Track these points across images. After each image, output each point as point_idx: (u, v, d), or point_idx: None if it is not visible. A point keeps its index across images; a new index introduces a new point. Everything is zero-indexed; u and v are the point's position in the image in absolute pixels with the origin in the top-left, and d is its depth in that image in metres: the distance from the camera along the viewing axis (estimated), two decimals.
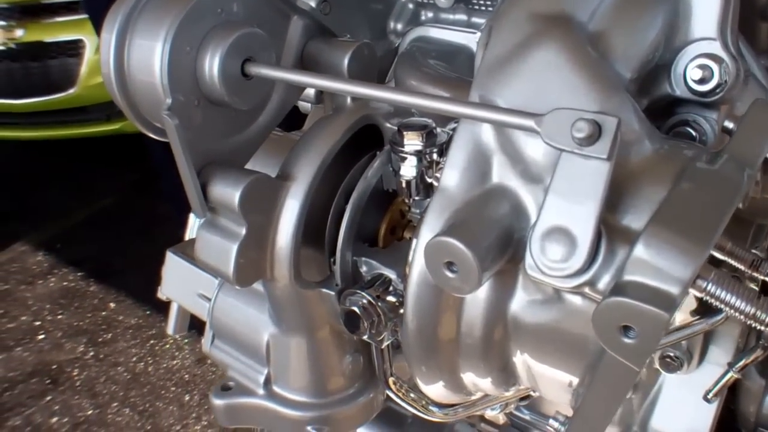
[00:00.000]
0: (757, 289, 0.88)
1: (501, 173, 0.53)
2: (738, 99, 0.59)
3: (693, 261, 0.43)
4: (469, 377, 0.61)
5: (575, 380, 0.56)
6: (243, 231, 0.61)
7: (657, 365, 0.96)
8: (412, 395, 0.71)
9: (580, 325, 0.50)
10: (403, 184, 0.63)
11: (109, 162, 3.82)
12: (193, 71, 0.60)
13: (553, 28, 0.53)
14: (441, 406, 0.72)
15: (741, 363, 0.89)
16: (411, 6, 0.93)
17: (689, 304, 0.82)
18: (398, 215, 0.70)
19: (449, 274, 0.50)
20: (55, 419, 2.50)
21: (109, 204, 3.57)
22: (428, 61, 0.90)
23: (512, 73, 0.53)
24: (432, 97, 0.52)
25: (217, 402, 0.73)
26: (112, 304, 2.97)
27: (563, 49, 0.52)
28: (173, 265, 0.81)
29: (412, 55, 0.91)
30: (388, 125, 0.68)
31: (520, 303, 0.54)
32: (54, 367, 2.70)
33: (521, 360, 0.58)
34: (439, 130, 0.63)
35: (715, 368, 0.96)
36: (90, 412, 2.56)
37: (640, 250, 0.44)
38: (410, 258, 0.56)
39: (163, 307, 3.27)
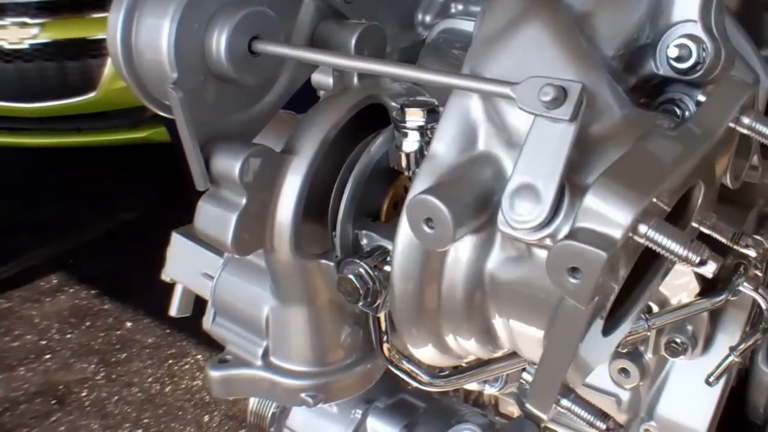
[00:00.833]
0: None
1: (487, 141, 0.65)
2: (722, 79, 0.70)
3: (633, 208, 0.54)
4: (453, 339, 0.73)
5: None
6: (243, 201, 0.73)
7: (663, 351, 1.08)
8: (406, 364, 0.82)
9: (547, 279, 0.61)
10: (404, 158, 0.75)
11: (133, 172, 4.00)
12: (200, 48, 0.73)
13: (539, 8, 0.65)
14: (434, 375, 0.84)
15: (742, 347, 1.01)
16: None
17: (693, 287, 0.93)
18: (401, 191, 0.82)
19: (427, 230, 0.62)
20: None
21: (131, 218, 3.74)
22: (452, 51, 1.02)
23: (500, 48, 0.65)
24: (420, 69, 0.65)
25: (214, 374, 0.85)
26: (128, 323, 3.13)
27: (547, 27, 0.64)
28: (178, 245, 0.94)
29: (438, 46, 1.03)
30: (394, 105, 0.80)
31: (495, 261, 0.66)
32: (61, 387, 2.87)
33: (500, 320, 0.69)
34: (440, 108, 0.75)
35: (721, 355, 1.06)
36: None
37: (588, 200, 0.55)
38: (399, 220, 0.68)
39: (184, 327, 3.44)
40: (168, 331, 3.08)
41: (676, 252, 0.55)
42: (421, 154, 0.75)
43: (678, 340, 1.09)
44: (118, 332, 3.11)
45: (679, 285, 1.02)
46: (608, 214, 0.55)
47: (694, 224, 0.75)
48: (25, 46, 3.36)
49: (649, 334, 0.97)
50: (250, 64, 0.75)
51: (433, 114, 0.74)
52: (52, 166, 4.00)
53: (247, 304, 0.86)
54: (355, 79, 0.80)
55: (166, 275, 0.98)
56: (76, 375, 2.93)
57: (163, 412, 2.80)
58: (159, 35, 0.71)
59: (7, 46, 3.38)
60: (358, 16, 0.85)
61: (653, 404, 1.18)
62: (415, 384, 0.85)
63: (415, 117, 0.74)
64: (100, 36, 3.28)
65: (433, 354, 0.76)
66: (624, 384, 1.16)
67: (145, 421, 2.77)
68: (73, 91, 3.39)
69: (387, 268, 0.76)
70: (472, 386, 1.10)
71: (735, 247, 0.77)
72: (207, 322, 0.90)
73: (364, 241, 0.80)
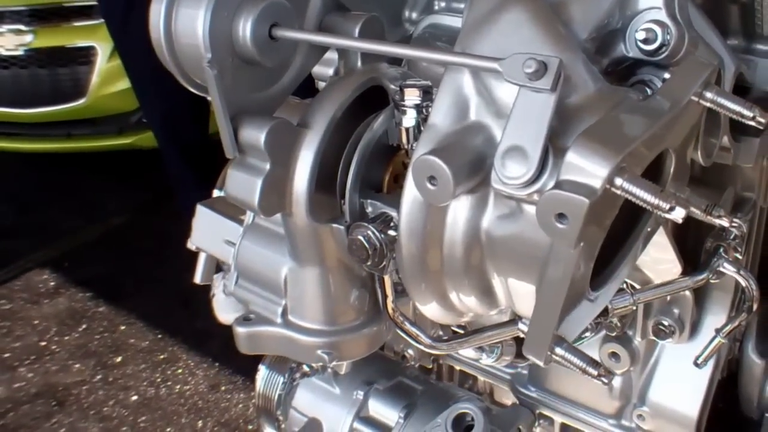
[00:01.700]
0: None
1: (478, 112, 0.78)
2: (687, 58, 0.83)
3: (609, 161, 0.66)
4: (456, 296, 0.85)
5: None
6: (267, 167, 0.86)
7: (651, 335, 1.18)
8: (409, 326, 0.94)
9: (537, 232, 0.73)
10: (404, 133, 0.88)
11: (121, 178, 4.12)
12: (228, 34, 0.86)
13: None
14: (435, 339, 0.95)
15: (728, 328, 1.11)
16: None
17: (676, 270, 1.04)
18: (400, 166, 0.95)
19: (430, 187, 0.74)
20: None
21: (121, 222, 3.85)
22: (438, 44, 1.15)
23: (486, 31, 0.77)
24: (420, 48, 0.78)
25: (240, 330, 0.97)
26: (122, 327, 3.24)
27: (527, 12, 0.76)
28: (203, 216, 1.06)
29: (424, 40, 1.16)
30: (393, 87, 0.93)
31: (490, 219, 0.78)
32: (60, 389, 2.97)
33: (497, 277, 0.81)
34: (434, 89, 0.88)
35: (709, 339, 1.16)
36: None
37: (570, 155, 0.68)
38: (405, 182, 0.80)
39: (176, 332, 3.58)
40: (160, 336, 3.18)
41: (648, 200, 0.67)
42: (418, 129, 0.87)
43: (665, 323, 1.17)
44: (114, 335, 3.21)
45: (664, 269, 1.10)
46: (587, 167, 0.67)
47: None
48: (20, 52, 3.51)
49: (634, 308, 1.05)
50: (270, 48, 0.88)
51: (428, 94, 0.87)
52: (46, 172, 4.11)
53: (266, 267, 0.98)
54: (359, 63, 0.93)
55: (191, 244, 1.10)
56: (74, 377, 3.02)
57: (158, 416, 2.89)
58: (195, 23, 0.84)
59: (3, 52, 3.51)
60: (352, 9, 0.98)
61: (645, 390, 1.26)
62: (417, 345, 0.96)
63: (412, 96, 0.87)
64: (88, 43, 3.46)
65: (437, 310, 0.88)
66: (615, 369, 1.24)
67: (142, 425, 2.87)
68: (64, 97, 3.54)
69: (391, 232, 0.88)
70: (469, 353, 1.21)
71: (708, 218, 0.88)
72: (230, 286, 1.03)
73: (369, 209, 0.92)
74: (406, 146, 0.89)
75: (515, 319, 0.86)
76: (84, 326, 3.22)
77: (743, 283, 1.10)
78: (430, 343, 0.95)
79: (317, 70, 1.01)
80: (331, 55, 1.01)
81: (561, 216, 0.67)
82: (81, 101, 3.52)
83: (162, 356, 3.13)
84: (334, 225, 0.91)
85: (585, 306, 0.82)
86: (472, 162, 0.76)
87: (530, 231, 0.75)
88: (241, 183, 0.87)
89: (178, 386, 3.02)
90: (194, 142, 3.25)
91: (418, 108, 0.87)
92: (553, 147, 0.72)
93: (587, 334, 1.25)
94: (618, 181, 0.67)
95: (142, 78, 3.18)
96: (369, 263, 0.89)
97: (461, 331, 1.13)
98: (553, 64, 0.70)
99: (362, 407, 1.31)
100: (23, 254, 3.54)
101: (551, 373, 1.32)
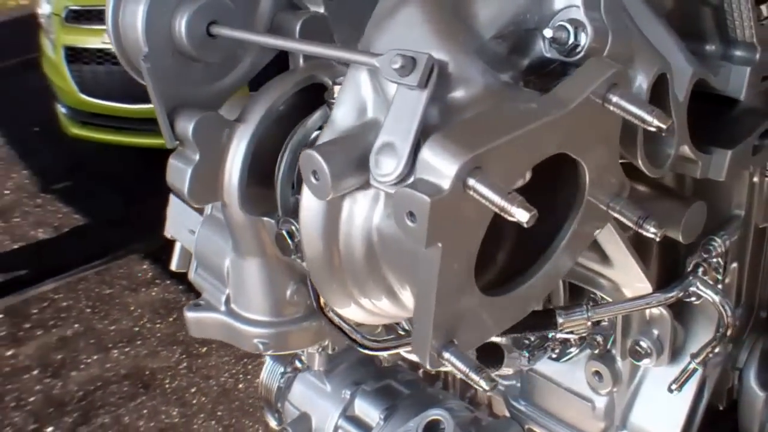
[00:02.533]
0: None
1: (374, 109, 0.77)
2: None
3: (458, 161, 0.64)
4: (367, 299, 0.84)
5: None
6: (197, 158, 0.88)
7: (628, 355, 1.12)
8: (339, 322, 0.94)
9: None
10: None
11: None
12: (168, 30, 0.89)
13: None
14: (370, 338, 0.94)
15: (702, 354, 1.04)
16: None
17: (645, 287, 0.98)
18: None
19: (314, 181, 0.74)
20: (142, 422, 2.90)
21: None
22: None
23: (384, 27, 0.76)
24: (310, 43, 0.79)
25: (189, 314, 1.01)
26: None
27: (422, 9, 0.75)
28: (174, 206, 1.11)
29: None
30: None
31: (379, 217, 0.77)
32: (147, 373, 3.12)
33: (392, 276, 0.80)
34: None
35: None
36: (176, 420, 2.93)
37: (424, 153, 0.66)
38: None
39: None
40: None
41: (496, 202, 0.64)
42: None
43: (642, 344, 1.10)
44: None
45: (640, 288, 1.04)
46: (438, 165, 0.65)
47: (602, 207, 0.83)
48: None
49: (589, 324, 1.00)
50: (209, 45, 0.90)
51: None
52: (155, 166, 4.33)
53: (215, 256, 1.01)
54: (301, 61, 0.94)
55: (166, 232, 1.14)
56: (161, 362, 3.18)
57: (235, 407, 2.99)
58: (135, 18, 0.88)
59: (101, 45, 3.74)
60: (337, 14, 0.98)
61: (627, 412, 1.20)
62: (350, 343, 0.96)
63: None
64: None
65: (357, 313, 0.86)
66: (599, 389, 1.19)
67: (219, 413, 2.97)
68: None
69: None
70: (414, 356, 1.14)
71: (639, 231, 0.82)
72: (191, 273, 1.06)
73: None
74: None
75: None
76: (174, 316, 3.37)
77: (718, 306, 1.02)
78: (362, 341, 0.95)
79: None
80: None
81: (411, 214, 0.66)
82: None
83: (245, 350, 3.23)
84: (265, 218, 0.93)
85: (490, 311, 0.79)
86: (359, 159, 0.75)
87: None
88: (176, 172, 0.90)
89: (257, 381, 3.11)
90: None
91: None
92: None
93: (572, 350, 1.20)
94: (470, 181, 0.65)
95: None
96: (293, 258, 0.89)
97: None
98: (421, 61, 0.68)
99: (348, 406, 1.31)
100: (127, 244, 3.75)
101: (541, 389, 1.27)
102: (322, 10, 0.98)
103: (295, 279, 0.98)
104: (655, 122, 0.72)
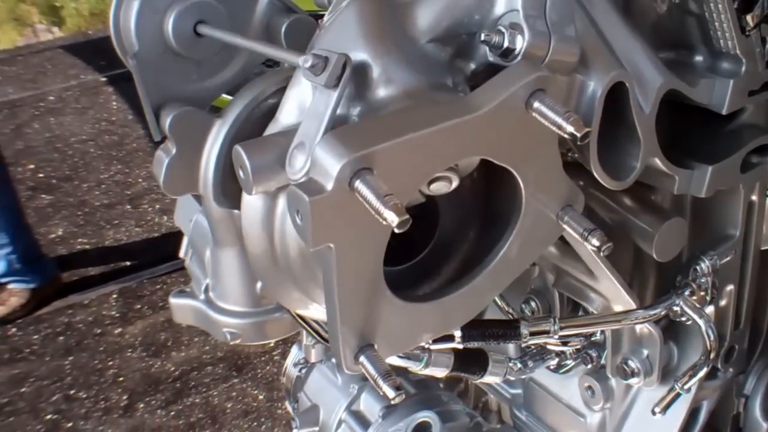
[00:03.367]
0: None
1: None
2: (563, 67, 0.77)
3: (341, 161, 0.65)
4: (305, 298, 0.85)
5: None
6: (174, 150, 0.93)
7: (615, 372, 1.07)
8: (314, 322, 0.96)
9: None
10: None
11: None
12: (160, 28, 0.95)
13: None
14: None
15: (685, 378, 0.99)
16: None
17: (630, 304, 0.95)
18: None
19: (241, 176, 0.77)
20: (229, 404, 3.01)
21: None
22: None
23: (328, 28, 0.78)
24: (260, 44, 0.82)
25: (173, 300, 1.06)
26: None
27: (360, 10, 0.76)
28: (181, 197, 1.16)
29: None
30: None
31: None
32: (243, 357, 3.24)
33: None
34: None
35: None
36: (262, 404, 3.03)
37: (316, 151, 0.67)
38: None
39: None
40: None
41: (374, 206, 0.64)
42: None
43: (631, 363, 1.06)
44: None
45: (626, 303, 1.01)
46: (325, 164, 0.66)
47: (551, 217, 0.81)
48: None
49: (555, 337, 0.96)
50: (195, 43, 0.95)
51: None
52: None
53: (200, 245, 1.05)
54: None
55: (175, 221, 1.20)
56: (257, 348, 3.28)
57: None
58: (129, 17, 0.94)
59: None
60: None
61: (618, 431, 1.16)
62: (317, 339, 0.98)
63: None
64: None
65: (300, 307, 0.88)
66: (591, 404, 1.15)
67: None
68: None
69: None
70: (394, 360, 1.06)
71: (585, 243, 0.80)
72: (187, 260, 1.11)
73: None
74: None
75: None
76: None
77: (701, 329, 0.97)
78: (325, 334, 0.96)
79: None
80: None
81: (298, 213, 0.67)
82: None
83: None
84: (235, 211, 0.96)
85: (414, 318, 0.79)
86: (284, 156, 0.77)
87: None
88: (157, 162, 0.96)
89: None
90: None
91: None
92: None
93: (569, 362, 1.17)
94: (355, 182, 0.66)
95: None
96: None
97: None
98: (332, 60, 0.70)
99: (354, 400, 1.33)
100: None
101: (541, 400, 1.25)
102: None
103: None
104: (569, 129, 0.70)
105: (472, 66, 0.81)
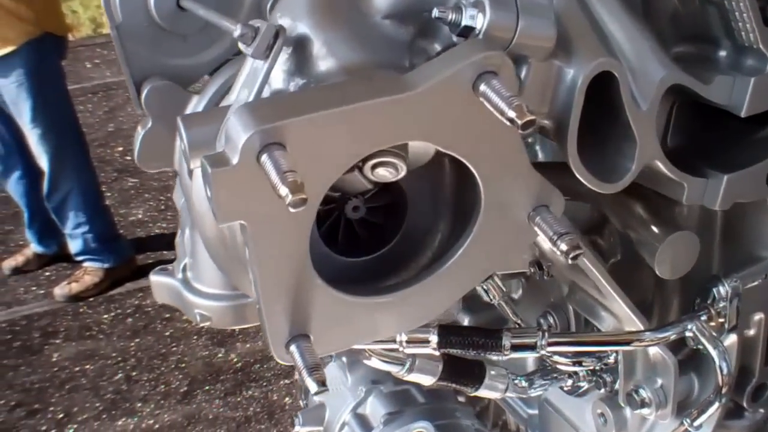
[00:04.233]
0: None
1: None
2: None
3: (247, 133, 0.59)
4: None
5: None
6: (150, 123, 0.91)
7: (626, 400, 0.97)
8: None
9: None
10: None
11: None
12: (144, 2, 0.92)
13: None
14: None
15: (694, 414, 0.89)
16: None
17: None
18: None
19: (182, 148, 0.73)
20: (287, 400, 3.00)
21: None
22: None
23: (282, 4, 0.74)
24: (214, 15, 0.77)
25: (153, 278, 1.03)
26: None
27: None
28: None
29: None
30: None
31: None
32: None
33: None
34: None
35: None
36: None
37: (228, 123, 0.61)
38: None
39: None
40: None
41: (272, 180, 0.59)
42: None
43: (642, 392, 0.96)
44: None
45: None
46: (233, 136, 0.61)
47: (521, 216, 0.74)
48: None
49: (542, 352, 0.88)
50: (178, 17, 0.92)
51: None
52: None
53: (184, 224, 1.03)
54: None
55: (174, 200, 1.18)
56: None
57: None
58: None
59: None
60: None
61: None
62: None
63: None
64: None
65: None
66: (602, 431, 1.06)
67: None
68: None
69: None
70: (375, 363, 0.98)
71: (553, 248, 0.71)
72: (178, 238, 1.09)
73: None
74: None
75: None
76: None
77: (714, 359, 0.87)
78: None
79: None
80: None
81: (208, 186, 0.63)
82: None
83: None
84: None
85: (359, 313, 0.74)
86: None
87: None
88: (136, 136, 0.94)
89: None
90: None
91: None
92: None
93: (583, 383, 1.07)
94: (262, 157, 0.60)
95: None
96: None
97: None
98: (262, 31, 0.65)
99: (360, 403, 1.28)
100: None
101: (554, 423, 1.15)
102: None
103: None
104: (510, 114, 0.61)
105: (437, 47, 0.73)
